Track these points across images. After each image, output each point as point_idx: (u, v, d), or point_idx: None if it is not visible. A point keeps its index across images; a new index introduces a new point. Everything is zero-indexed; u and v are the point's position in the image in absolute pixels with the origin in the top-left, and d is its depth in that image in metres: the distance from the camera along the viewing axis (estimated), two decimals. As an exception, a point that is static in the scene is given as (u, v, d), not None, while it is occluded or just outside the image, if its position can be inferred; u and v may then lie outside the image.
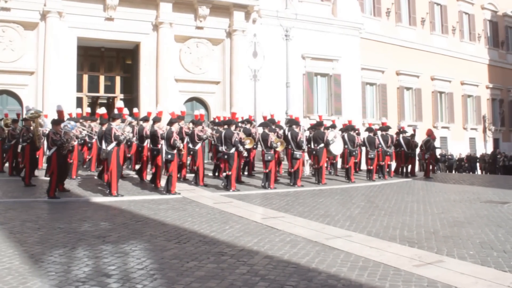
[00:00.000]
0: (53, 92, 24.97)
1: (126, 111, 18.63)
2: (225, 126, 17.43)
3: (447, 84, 42.38)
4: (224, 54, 29.78)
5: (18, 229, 9.46)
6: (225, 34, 29.79)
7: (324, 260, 7.46)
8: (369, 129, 21.69)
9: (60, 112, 17.00)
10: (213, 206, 12.74)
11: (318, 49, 32.60)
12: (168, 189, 15.15)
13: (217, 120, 21.85)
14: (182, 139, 16.48)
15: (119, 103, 19.41)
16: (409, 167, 23.78)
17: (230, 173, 16.32)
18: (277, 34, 27.91)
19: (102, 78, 30.38)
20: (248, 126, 20.05)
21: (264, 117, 21.71)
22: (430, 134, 23.55)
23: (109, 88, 30.61)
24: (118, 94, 30.32)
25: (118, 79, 30.77)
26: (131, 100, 28.91)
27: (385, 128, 22.11)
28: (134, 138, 17.19)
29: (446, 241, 8.89)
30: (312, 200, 14.25)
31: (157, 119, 17.52)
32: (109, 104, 30.35)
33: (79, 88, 28.06)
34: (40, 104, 24.84)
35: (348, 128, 21.32)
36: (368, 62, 35.62)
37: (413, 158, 23.47)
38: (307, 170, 21.61)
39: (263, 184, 17.27)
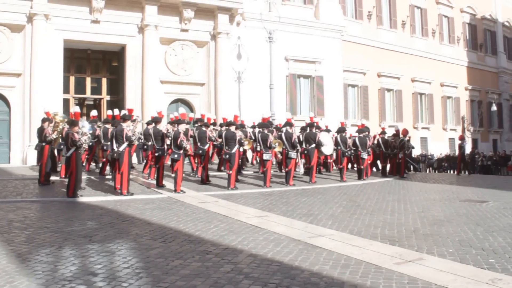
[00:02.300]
0: (40, 94, 24.91)
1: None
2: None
3: (427, 86, 42.67)
4: (209, 56, 29.83)
5: (6, 229, 9.38)
6: (209, 36, 29.84)
7: (307, 258, 7.46)
8: (360, 131, 21.89)
9: (76, 114, 17.02)
10: (198, 206, 12.71)
11: (301, 51, 32.72)
12: (174, 188, 15.40)
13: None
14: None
15: (129, 105, 19.54)
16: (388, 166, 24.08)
17: (230, 172, 16.62)
18: (260, 36, 27.94)
19: (88, 80, 30.32)
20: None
21: (264, 119, 21.79)
22: (405, 134, 23.73)
23: (96, 90, 30.53)
24: (105, 95, 30.29)
25: (104, 81, 30.70)
26: (117, 102, 28.88)
27: (364, 129, 22.30)
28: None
29: (426, 239, 8.93)
30: (296, 200, 14.26)
31: (159, 120, 17.86)
32: (96, 106, 30.27)
33: (66, 90, 27.98)
34: (28, 106, 24.78)
35: (340, 129, 21.59)
36: (350, 64, 35.78)
37: (393, 158, 23.61)
38: (301, 169, 21.80)
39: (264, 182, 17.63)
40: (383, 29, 39.83)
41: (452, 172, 28.58)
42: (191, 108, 29.10)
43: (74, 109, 18.07)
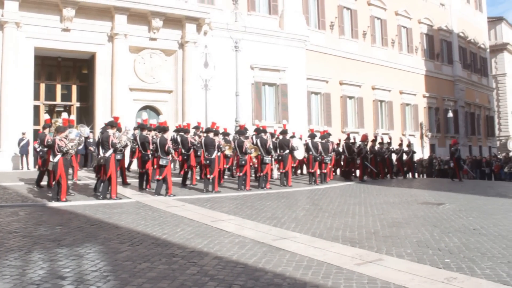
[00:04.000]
0: (10, 100, 24.64)
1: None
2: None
3: (387, 93, 43.10)
4: (177, 64, 29.77)
5: (-26, 234, 9.23)
6: (177, 45, 29.78)
7: (271, 260, 7.46)
8: (322, 137, 22.07)
9: (64, 121, 16.90)
10: (166, 210, 12.63)
11: (266, 60, 32.83)
12: (165, 192, 15.58)
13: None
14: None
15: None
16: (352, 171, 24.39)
17: (212, 176, 16.80)
18: (227, 45, 27.94)
19: (58, 87, 30.05)
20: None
21: (241, 126, 21.87)
22: (364, 139, 23.97)
23: (66, 97, 30.26)
24: (75, 102, 30.06)
25: (74, 88, 30.47)
26: (87, 108, 28.66)
27: (326, 135, 22.57)
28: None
29: (386, 241, 9.00)
30: (260, 204, 14.26)
31: (145, 127, 18.01)
32: (66, 112, 29.98)
33: (36, 96, 27.72)
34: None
35: (312, 135, 21.85)
36: (313, 73, 35.98)
37: (355, 162, 23.86)
38: (275, 174, 21.92)
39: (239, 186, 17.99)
40: (345, 39, 40.15)
41: (410, 176, 28.75)
42: (159, 115, 28.94)
43: (63, 115, 17.98)
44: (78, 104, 29.91)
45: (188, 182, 19.04)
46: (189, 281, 6.34)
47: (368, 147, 24.66)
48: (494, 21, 68.19)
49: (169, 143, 15.78)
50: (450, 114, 47.63)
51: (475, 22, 58.92)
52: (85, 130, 16.61)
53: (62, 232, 9.54)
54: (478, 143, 56.37)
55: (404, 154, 27.70)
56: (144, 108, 29.19)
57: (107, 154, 14.37)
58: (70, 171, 18.69)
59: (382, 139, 27.42)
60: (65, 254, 7.74)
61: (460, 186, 22.18)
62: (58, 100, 30.09)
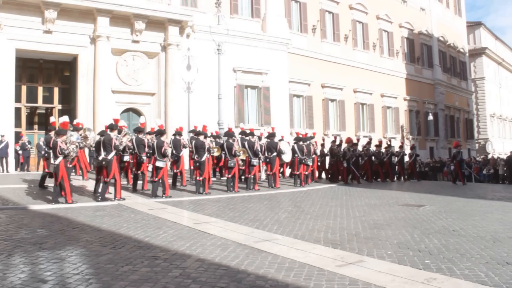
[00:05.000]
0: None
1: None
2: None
3: (368, 96, 43.23)
4: (159, 67, 29.69)
5: (-45, 237, 9.13)
6: (160, 48, 29.70)
7: (253, 262, 7.46)
8: (304, 139, 22.19)
9: (65, 123, 16.86)
10: (148, 212, 12.58)
11: (248, 63, 32.85)
12: (162, 193, 15.88)
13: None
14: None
15: (115, 116, 19.48)
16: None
17: (201, 178, 17.03)
18: (209, 48, 27.88)
19: (40, 89, 29.80)
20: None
21: (229, 129, 21.90)
22: (349, 142, 24.07)
23: (48, 99, 30.03)
24: (56, 104, 29.85)
25: (56, 90, 30.24)
26: (69, 111, 28.40)
27: (307, 138, 22.76)
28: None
29: (367, 242, 9.03)
30: (242, 206, 14.25)
31: (141, 130, 18.13)
32: (47, 114, 29.79)
33: (18, 99, 27.48)
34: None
35: (298, 139, 22.10)
36: (295, 75, 36.01)
37: (338, 165, 23.93)
38: (263, 175, 21.99)
39: (229, 188, 18.09)
40: (327, 42, 40.23)
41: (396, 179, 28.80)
42: (140, 116, 28.86)
43: (63, 118, 17.96)
44: (60, 107, 29.68)
45: (178, 184, 19.40)
46: (171, 283, 6.32)
47: (360, 150, 24.86)
48: (473, 25, 68.71)
49: (166, 145, 16.11)
50: (430, 117, 47.92)
51: (455, 26, 59.41)
52: (91, 133, 16.73)
53: (43, 235, 9.46)
54: (458, 145, 56.74)
55: (406, 157, 27.80)
56: (127, 110, 29.09)
57: (109, 157, 14.55)
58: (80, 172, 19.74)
59: (380, 141, 27.38)
60: (47, 257, 7.67)
61: (439, 187, 22.34)
62: (40, 103, 29.86)
